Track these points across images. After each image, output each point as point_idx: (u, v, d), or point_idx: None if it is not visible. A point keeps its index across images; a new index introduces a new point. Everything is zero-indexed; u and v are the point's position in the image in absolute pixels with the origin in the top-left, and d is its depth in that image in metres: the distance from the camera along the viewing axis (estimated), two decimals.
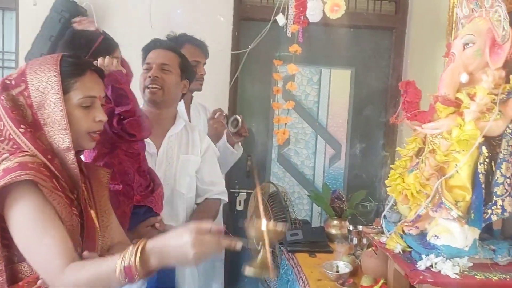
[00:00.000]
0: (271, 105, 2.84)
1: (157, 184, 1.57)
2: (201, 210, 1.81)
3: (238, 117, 2.38)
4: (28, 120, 1.09)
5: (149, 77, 1.70)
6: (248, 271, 1.03)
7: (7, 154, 1.06)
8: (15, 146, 1.07)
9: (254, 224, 1.03)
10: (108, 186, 1.27)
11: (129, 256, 0.94)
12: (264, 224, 1.01)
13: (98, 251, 1.17)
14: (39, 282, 1.05)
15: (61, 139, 1.09)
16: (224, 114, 2.31)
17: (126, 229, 1.41)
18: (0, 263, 1.02)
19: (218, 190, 1.86)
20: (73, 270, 1.00)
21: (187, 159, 1.77)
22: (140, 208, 1.49)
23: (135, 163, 1.49)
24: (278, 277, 2.25)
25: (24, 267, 1.06)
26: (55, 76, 1.09)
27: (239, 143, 2.38)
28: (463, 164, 1.17)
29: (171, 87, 1.74)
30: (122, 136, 1.42)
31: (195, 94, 2.30)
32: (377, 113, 2.95)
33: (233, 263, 2.75)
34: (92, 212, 1.17)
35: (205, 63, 2.27)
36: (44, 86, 1.09)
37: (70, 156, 1.11)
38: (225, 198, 1.90)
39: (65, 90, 1.10)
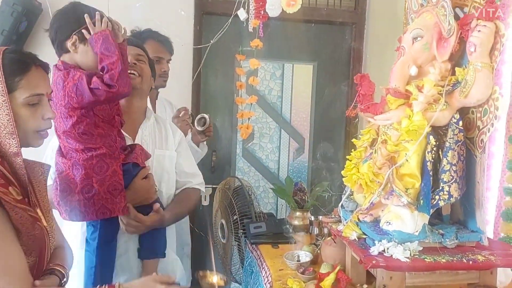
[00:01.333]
0: (235, 100, 2.86)
1: (136, 144, 1.63)
2: (181, 199, 1.78)
3: (206, 116, 2.39)
4: None
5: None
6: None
7: None
8: None
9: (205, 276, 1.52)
10: (46, 183, 1.21)
11: None
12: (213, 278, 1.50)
13: (49, 253, 1.15)
14: None
15: (7, 143, 1.04)
16: (189, 113, 2.30)
17: (122, 187, 1.49)
18: None
19: (198, 181, 1.85)
20: None
21: (162, 154, 1.75)
22: (126, 165, 1.52)
23: (113, 128, 1.52)
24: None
25: None
26: None
27: (204, 142, 2.39)
28: (412, 153, 1.22)
29: (148, 76, 1.74)
30: (100, 95, 1.41)
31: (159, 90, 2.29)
32: (339, 107, 3.02)
33: (199, 259, 2.76)
34: (39, 211, 1.12)
35: (169, 60, 2.25)
36: None
37: (18, 161, 1.05)
38: (203, 189, 1.90)
39: (9, 89, 1.04)
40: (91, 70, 1.47)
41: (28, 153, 1.16)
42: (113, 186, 1.47)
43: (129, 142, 1.68)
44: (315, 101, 3.01)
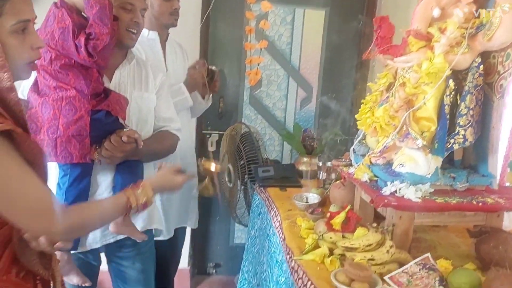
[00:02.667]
0: (243, 45, 2.80)
1: (113, 92, 1.55)
2: (157, 137, 1.70)
3: (214, 69, 2.35)
4: None
5: (135, 21, 1.58)
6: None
7: None
8: None
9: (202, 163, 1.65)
10: (28, 120, 1.11)
11: (142, 194, 1.20)
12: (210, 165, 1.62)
13: None
14: None
15: None
16: (206, 66, 2.26)
17: (87, 133, 1.44)
18: None
19: (176, 127, 1.79)
20: (74, 213, 1.04)
21: (140, 95, 1.68)
22: (98, 112, 1.47)
23: (91, 73, 1.47)
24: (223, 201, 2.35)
25: None
26: None
27: (210, 95, 2.37)
28: (430, 96, 1.22)
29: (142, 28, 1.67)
30: (77, 54, 1.40)
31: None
32: (350, 54, 2.96)
33: (205, 203, 2.82)
34: None
35: None
36: None
37: (12, 97, 0.96)
38: (180, 136, 1.82)
39: None
40: (84, 10, 1.42)
41: None
42: (77, 131, 1.43)
43: (106, 83, 1.60)
44: (325, 49, 2.95)
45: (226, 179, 2.42)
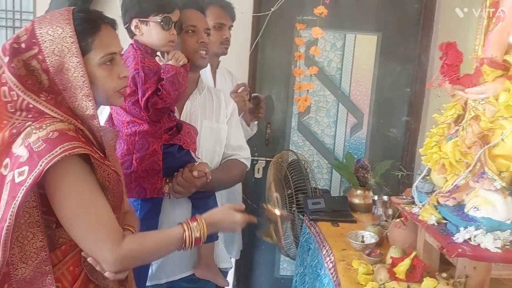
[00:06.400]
0: (292, 71, 2.75)
1: (184, 124, 1.57)
2: (226, 166, 1.70)
3: (260, 96, 2.30)
4: (45, 86, 1.01)
5: (201, 42, 1.59)
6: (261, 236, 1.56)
7: (30, 122, 0.99)
8: (36, 115, 1.00)
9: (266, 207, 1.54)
10: (115, 148, 1.24)
11: (197, 229, 1.15)
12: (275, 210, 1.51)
13: (122, 213, 1.17)
14: None
15: (84, 106, 1.03)
16: (248, 90, 2.22)
17: (160, 168, 1.46)
18: (40, 230, 0.99)
19: (245, 155, 1.78)
20: (132, 244, 1.05)
21: (209, 125, 1.69)
22: (171, 146, 1.48)
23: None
24: (283, 246, 2.23)
25: (65, 231, 1.03)
26: (70, 37, 1.00)
27: (255, 122, 2.32)
28: (510, 131, 1.08)
29: (212, 50, 1.70)
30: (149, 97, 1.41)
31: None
32: (403, 82, 2.83)
33: (250, 231, 2.74)
34: None
35: (231, 26, 2.17)
36: (60, 49, 1.00)
37: (95, 123, 1.06)
38: (249, 164, 1.82)
39: (84, 51, 1.02)
40: (158, 48, 1.46)
41: None
42: (151, 166, 1.44)
43: (176, 114, 1.61)
44: (377, 75, 2.84)
45: None
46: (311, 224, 1.90)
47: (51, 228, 1.02)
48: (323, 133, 2.90)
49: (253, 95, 2.28)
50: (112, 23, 1.12)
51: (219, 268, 1.77)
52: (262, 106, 2.29)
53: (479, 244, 1.07)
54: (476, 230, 1.09)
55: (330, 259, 1.51)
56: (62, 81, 1.01)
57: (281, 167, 2.31)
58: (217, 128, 1.70)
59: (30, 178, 0.92)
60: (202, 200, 1.60)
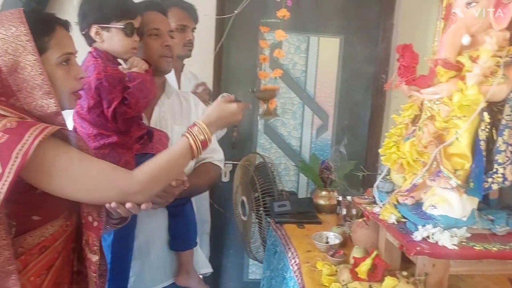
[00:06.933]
0: (257, 74, 2.74)
1: (155, 131, 1.52)
2: (200, 171, 1.67)
3: (229, 96, 2.26)
4: None
5: (166, 45, 1.55)
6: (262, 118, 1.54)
7: None
8: None
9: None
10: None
11: (199, 132, 1.16)
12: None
13: None
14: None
15: (45, 104, 1.00)
16: (208, 90, 2.18)
17: None
18: (4, 228, 0.95)
19: (219, 158, 1.76)
20: (143, 168, 1.09)
21: (181, 130, 1.63)
22: (144, 156, 1.40)
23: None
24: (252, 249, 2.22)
25: (25, 239, 1.00)
26: (25, 35, 0.98)
27: None
28: (463, 131, 1.11)
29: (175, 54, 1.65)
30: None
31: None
32: (365, 84, 2.88)
33: (217, 236, 2.71)
34: None
35: (194, 28, 2.13)
36: (14, 48, 0.97)
37: (59, 120, 1.03)
38: (223, 166, 1.80)
39: (41, 50, 1.00)
40: (120, 55, 1.41)
41: None
42: None
43: (145, 121, 1.56)
44: (341, 77, 2.87)
45: (240, 212, 2.31)
46: (277, 227, 1.90)
47: (11, 233, 0.98)
48: (289, 135, 2.91)
49: (222, 94, 2.24)
50: (66, 25, 1.10)
51: (199, 274, 1.74)
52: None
53: (437, 242, 1.09)
54: (433, 228, 1.11)
55: (295, 262, 1.51)
56: (16, 81, 0.98)
57: (248, 170, 2.30)
58: None
59: (9, 172, 0.89)
60: (179, 207, 1.56)
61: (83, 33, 1.40)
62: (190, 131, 1.16)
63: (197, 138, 1.15)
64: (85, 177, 1.02)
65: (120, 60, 1.49)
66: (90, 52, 1.40)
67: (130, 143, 1.40)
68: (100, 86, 1.32)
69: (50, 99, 1.00)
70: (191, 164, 1.67)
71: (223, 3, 2.63)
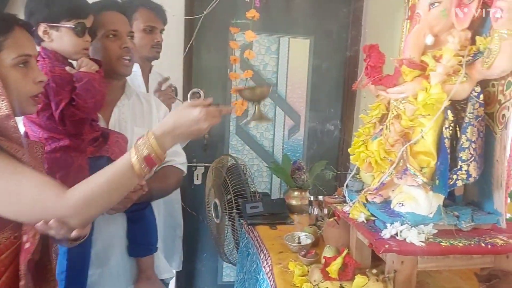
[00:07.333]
0: (228, 75, 2.73)
1: (112, 132, 1.46)
2: (162, 175, 1.62)
3: (200, 91, 2.21)
4: None
5: (125, 48, 1.50)
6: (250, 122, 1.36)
7: None
8: None
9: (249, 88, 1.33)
10: (43, 161, 1.14)
11: (144, 146, 0.99)
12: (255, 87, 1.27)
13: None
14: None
15: None
16: (172, 87, 2.14)
17: None
18: None
19: (181, 161, 1.71)
20: (77, 189, 0.97)
21: (142, 132, 1.60)
22: (99, 159, 1.36)
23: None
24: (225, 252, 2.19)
25: None
26: None
27: None
28: (428, 129, 1.13)
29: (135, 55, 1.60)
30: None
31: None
32: (336, 83, 2.91)
33: (190, 240, 2.68)
34: None
35: (163, 29, 2.09)
36: None
37: (11, 124, 0.97)
38: (185, 170, 1.75)
39: None
40: (70, 56, 1.35)
41: None
42: (77, 183, 1.32)
43: (102, 123, 1.52)
44: (311, 77, 2.90)
45: (213, 214, 2.29)
46: (249, 228, 1.89)
47: None
48: (261, 136, 2.91)
49: (192, 90, 2.20)
50: (27, 26, 1.05)
51: (161, 279, 1.70)
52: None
53: (405, 239, 1.10)
54: (401, 225, 1.12)
55: (267, 263, 1.50)
56: None
57: (220, 172, 2.28)
58: None
59: None
60: (138, 212, 1.52)
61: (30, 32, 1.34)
62: (135, 146, 1.01)
63: (138, 153, 0.98)
64: (13, 194, 0.93)
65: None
66: (39, 53, 1.33)
67: (83, 146, 1.34)
68: (47, 87, 1.26)
69: (2, 101, 0.96)
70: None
71: (192, 4, 2.61)
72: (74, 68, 1.36)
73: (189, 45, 2.61)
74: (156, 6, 2.06)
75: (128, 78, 2.00)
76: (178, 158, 1.70)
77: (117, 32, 1.49)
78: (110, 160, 1.38)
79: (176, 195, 2.26)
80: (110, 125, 1.54)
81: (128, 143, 1.50)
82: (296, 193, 2.08)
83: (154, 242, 1.60)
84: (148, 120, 1.64)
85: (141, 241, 1.55)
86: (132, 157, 0.98)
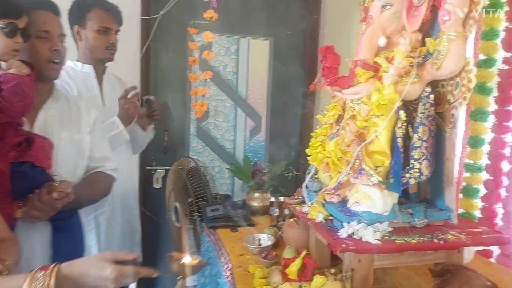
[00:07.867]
0: (187, 76, 2.69)
1: (37, 137, 1.37)
2: (90, 181, 1.53)
3: (151, 98, 2.16)
4: None
5: (55, 50, 1.43)
6: None
7: None
8: None
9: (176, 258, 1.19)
10: None
11: (42, 280, 0.89)
12: (185, 259, 1.17)
13: None
14: None
15: None
16: (139, 94, 2.07)
17: (8, 190, 1.24)
18: None
19: (111, 167, 1.63)
20: None
21: (70, 137, 1.51)
22: (22, 165, 1.28)
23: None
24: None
25: None
26: None
27: (152, 127, 2.19)
28: (382, 129, 1.15)
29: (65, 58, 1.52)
30: None
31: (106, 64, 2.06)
32: (295, 85, 2.94)
33: (150, 244, 2.61)
34: None
35: (118, 31, 2.01)
36: None
37: None
38: (116, 176, 1.66)
39: None
40: None
41: None
42: None
43: (27, 127, 1.42)
44: (272, 78, 2.91)
45: (174, 218, 2.24)
46: (210, 232, 1.86)
47: None
48: (222, 137, 2.89)
49: (144, 97, 2.15)
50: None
51: None
52: (155, 107, 2.16)
53: (361, 238, 1.12)
54: (358, 224, 1.14)
55: (228, 267, 1.48)
56: None
57: (180, 175, 2.24)
58: (79, 139, 1.53)
59: None
60: (63, 221, 1.41)
61: None
62: (34, 273, 0.91)
63: (32, 284, 0.89)
64: None
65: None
66: None
67: (5, 150, 1.26)
68: None
69: None
70: (80, 173, 1.54)
71: (148, 4, 2.55)
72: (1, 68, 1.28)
73: (146, 46, 2.54)
74: (112, 7, 1.99)
75: (81, 79, 1.95)
76: (108, 164, 1.63)
77: (47, 34, 1.42)
78: (33, 166, 1.31)
79: (134, 200, 2.20)
80: (35, 129, 1.44)
81: (55, 148, 1.42)
82: (257, 194, 2.08)
83: (81, 253, 1.49)
84: (77, 124, 1.55)
85: (67, 252, 1.40)
86: (24, 285, 0.89)
